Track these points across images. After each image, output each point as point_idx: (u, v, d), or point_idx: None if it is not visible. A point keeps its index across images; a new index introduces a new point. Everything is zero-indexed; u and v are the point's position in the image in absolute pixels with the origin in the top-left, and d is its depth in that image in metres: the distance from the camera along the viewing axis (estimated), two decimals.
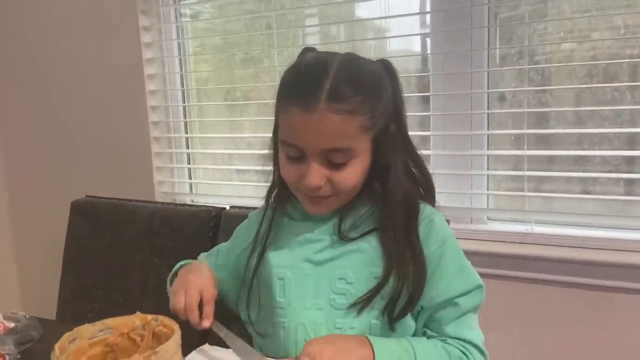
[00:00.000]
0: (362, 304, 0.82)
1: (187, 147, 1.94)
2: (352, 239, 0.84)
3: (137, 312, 0.71)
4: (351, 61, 0.81)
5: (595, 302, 1.32)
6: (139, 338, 0.67)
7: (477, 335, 0.84)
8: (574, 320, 1.34)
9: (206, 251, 1.25)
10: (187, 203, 1.37)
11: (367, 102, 0.78)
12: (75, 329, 0.66)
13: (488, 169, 1.49)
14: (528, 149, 1.42)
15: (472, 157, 1.48)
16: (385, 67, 0.84)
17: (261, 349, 0.91)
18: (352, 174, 0.81)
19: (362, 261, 0.84)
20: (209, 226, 1.26)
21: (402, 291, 0.81)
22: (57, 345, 0.62)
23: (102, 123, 1.94)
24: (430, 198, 0.89)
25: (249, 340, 0.92)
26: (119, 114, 1.91)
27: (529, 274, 1.38)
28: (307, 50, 0.87)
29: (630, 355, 1.30)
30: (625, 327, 1.30)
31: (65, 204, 1.57)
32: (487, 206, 1.50)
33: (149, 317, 0.66)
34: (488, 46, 1.44)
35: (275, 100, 0.84)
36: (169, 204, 1.39)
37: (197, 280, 0.87)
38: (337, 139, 0.77)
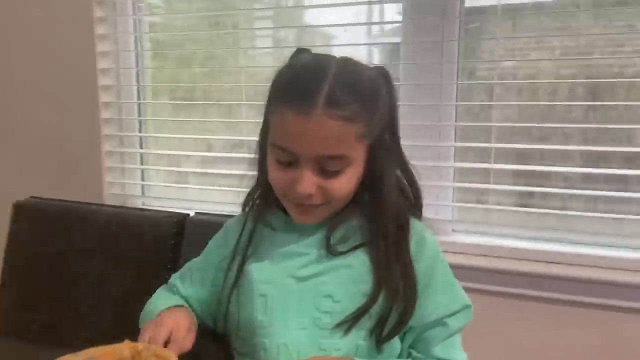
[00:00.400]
0: (349, 323, 0.78)
1: (141, 147, 1.85)
2: (341, 253, 0.80)
3: (126, 340, 0.63)
4: (349, 66, 0.78)
5: (557, 315, 1.34)
6: None
7: (462, 356, 0.83)
8: (535, 333, 1.36)
9: (168, 260, 1.19)
10: (147, 208, 1.28)
11: (365, 109, 0.75)
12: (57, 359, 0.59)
13: (454, 181, 1.50)
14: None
15: (439, 168, 1.48)
16: (382, 74, 0.81)
17: None
18: (345, 183, 0.77)
19: (349, 278, 0.80)
20: (171, 233, 1.18)
21: (392, 310, 0.78)
22: None
23: (48, 118, 1.81)
24: (417, 212, 0.87)
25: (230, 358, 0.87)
26: (68, 110, 1.78)
27: (492, 287, 1.39)
28: (301, 51, 0.82)
29: None
30: (586, 341, 1.33)
31: (6, 206, 1.44)
32: (452, 218, 1.50)
33: (140, 346, 0.59)
34: (458, 59, 1.45)
35: (266, 100, 0.80)
36: (127, 208, 1.30)
37: (170, 320, 0.79)
38: (333, 146, 0.74)
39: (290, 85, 0.76)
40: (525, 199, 1.44)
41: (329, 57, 0.78)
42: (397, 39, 1.53)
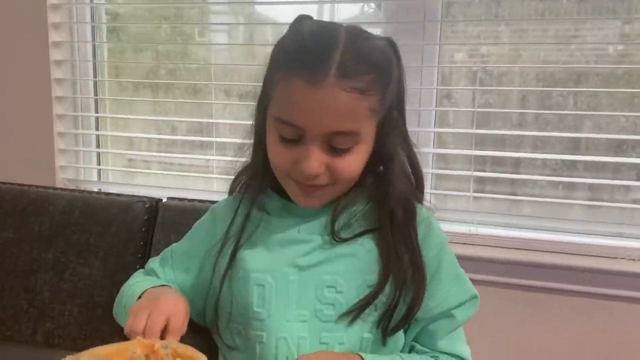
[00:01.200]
0: (354, 313, 0.72)
1: (97, 129, 1.71)
2: (345, 240, 0.74)
3: (138, 337, 0.54)
4: (360, 34, 0.71)
5: (535, 302, 1.34)
6: None
7: (466, 349, 0.80)
8: (515, 320, 1.36)
9: (139, 249, 1.10)
10: (115, 193, 1.17)
11: (378, 82, 0.69)
12: None
13: (432, 168, 1.47)
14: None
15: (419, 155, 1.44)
16: (391, 46, 0.75)
17: None
18: (354, 162, 0.71)
19: (354, 267, 0.74)
20: (142, 220, 1.09)
21: (400, 300, 0.73)
22: None
23: None
24: (420, 195, 0.82)
25: (216, 351, 0.79)
26: (17, 87, 1.63)
27: (471, 275, 1.36)
28: (304, 17, 0.75)
29: (565, 354, 1.33)
30: (562, 327, 1.33)
31: None
32: (431, 205, 1.47)
33: (156, 344, 0.51)
34: (439, 42, 1.41)
35: (266, 71, 0.73)
36: (92, 192, 1.18)
37: (167, 305, 0.69)
38: (344, 121, 0.67)
39: (298, 54, 0.68)
40: (506, 187, 1.42)
41: (337, 25, 0.72)
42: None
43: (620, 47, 1.34)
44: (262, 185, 0.79)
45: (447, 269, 0.78)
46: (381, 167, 0.78)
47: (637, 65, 1.31)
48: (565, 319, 1.32)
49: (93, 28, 1.66)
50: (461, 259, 1.34)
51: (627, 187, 1.34)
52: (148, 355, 0.51)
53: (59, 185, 1.65)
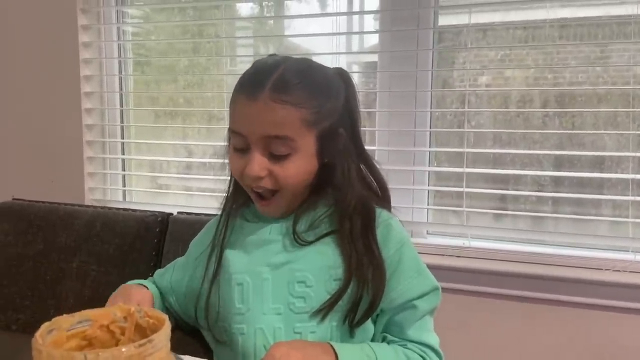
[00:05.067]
0: (324, 311, 0.82)
1: (123, 153, 1.87)
2: (309, 243, 0.84)
3: (119, 303, 0.67)
4: (304, 62, 0.85)
5: (525, 312, 1.40)
6: (119, 331, 0.63)
7: (434, 338, 0.87)
8: (506, 330, 1.42)
9: (151, 258, 1.22)
10: (131, 208, 1.31)
11: (312, 98, 0.80)
12: (53, 320, 0.62)
13: (429, 185, 1.55)
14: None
15: (414, 173, 1.54)
16: (340, 74, 0.87)
17: (218, 356, 0.89)
18: (294, 169, 0.82)
19: (321, 263, 0.84)
20: (154, 232, 1.21)
21: (363, 297, 0.82)
22: (37, 334, 0.58)
23: (31, 122, 1.82)
24: (387, 204, 0.91)
25: (207, 350, 0.90)
26: (51, 115, 1.80)
27: (465, 286, 1.44)
28: (272, 55, 0.88)
29: None
30: (551, 336, 1.38)
31: None
32: (427, 220, 1.56)
33: (132, 308, 0.63)
34: (432, 68, 1.52)
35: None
36: (110, 208, 1.32)
37: (138, 295, 0.86)
38: (277, 127, 0.79)
39: (246, 78, 0.83)
40: (499, 203, 1.50)
41: (289, 57, 0.85)
42: (374, 57, 1.60)
43: (599, 69, 1.41)
44: (237, 197, 0.91)
45: (408, 264, 0.86)
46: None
47: (616, 87, 1.38)
48: (553, 327, 1.37)
49: (120, 62, 1.83)
50: (454, 270, 1.44)
51: (613, 202, 1.40)
52: (126, 317, 0.63)
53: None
